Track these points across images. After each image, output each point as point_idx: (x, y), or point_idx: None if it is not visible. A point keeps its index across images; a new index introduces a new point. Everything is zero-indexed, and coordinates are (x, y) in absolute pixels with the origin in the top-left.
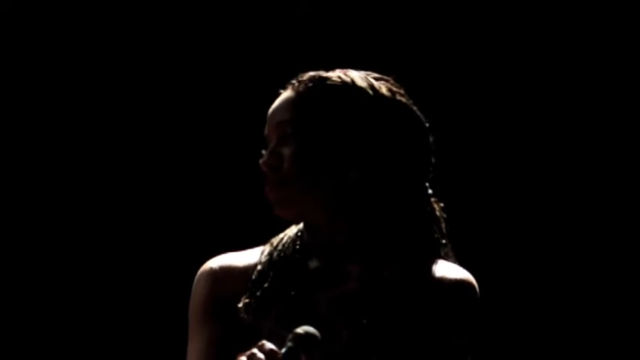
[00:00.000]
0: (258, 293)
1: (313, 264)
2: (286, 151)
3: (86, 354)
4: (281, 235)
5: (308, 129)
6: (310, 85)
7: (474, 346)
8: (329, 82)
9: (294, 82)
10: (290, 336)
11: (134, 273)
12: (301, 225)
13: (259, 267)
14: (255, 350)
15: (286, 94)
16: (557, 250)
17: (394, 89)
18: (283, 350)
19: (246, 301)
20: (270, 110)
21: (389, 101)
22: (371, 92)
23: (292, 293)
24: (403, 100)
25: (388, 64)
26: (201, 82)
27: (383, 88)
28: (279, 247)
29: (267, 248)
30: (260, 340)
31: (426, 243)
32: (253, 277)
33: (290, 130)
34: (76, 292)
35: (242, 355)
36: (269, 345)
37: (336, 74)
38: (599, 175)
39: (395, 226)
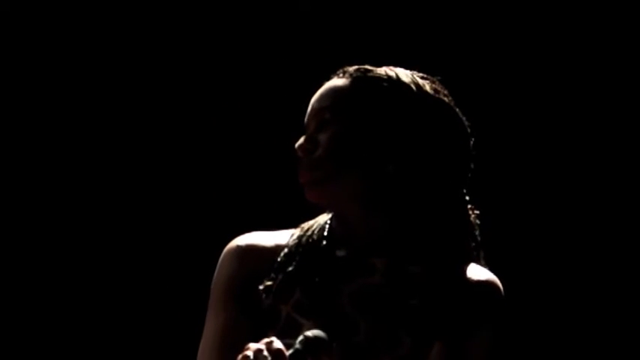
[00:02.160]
0: (281, 276)
1: (340, 253)
2: (323, 137)
3: (88, 352)
4: (311, 222)
5: (347, 116)
6: (354, 75)
7: (499, 348)
8: (373, 75)
9: (338, 72)
10: (299, 338)
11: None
12: (331, 214)
13: (286, 250)
14: (262, 346)
15: (329, 83)
16: (574, 256)
17: (438, 89)
18: (290, 352)
19: (268, 283)
20: (312, 99)
21: (432, 100)
22: (414, 88)
23: (316, 280)
24: (446, 100)
25: (388, 63)
26: (201, 81)
27: (427, 86)
28: (309, 233)
29: (297, 232)
30: (277, 323)
31: (455, 245)
32: (279, 259)
33: (329, 116)
34: (81, 288)
35: (248, 350)
36: (277, 344)
37: (381, 69)
38: (603, 175)
39: (427, 225)
